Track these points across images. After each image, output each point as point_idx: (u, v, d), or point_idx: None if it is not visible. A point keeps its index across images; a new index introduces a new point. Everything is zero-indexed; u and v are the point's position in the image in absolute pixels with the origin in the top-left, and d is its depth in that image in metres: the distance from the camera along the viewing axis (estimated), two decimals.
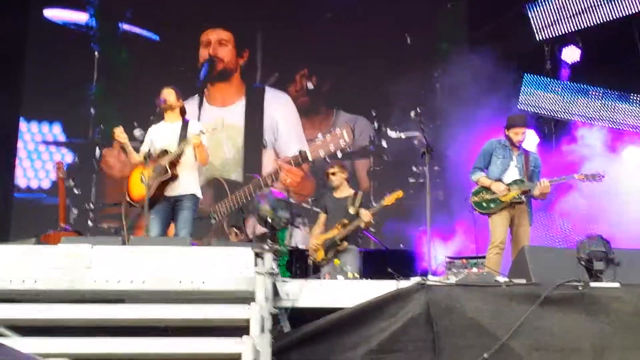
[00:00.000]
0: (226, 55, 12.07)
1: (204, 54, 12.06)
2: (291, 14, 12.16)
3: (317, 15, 12.14)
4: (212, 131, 7.31)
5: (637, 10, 10.82)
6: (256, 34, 12.21)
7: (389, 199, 8.52)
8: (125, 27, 12.11)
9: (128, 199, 7.63)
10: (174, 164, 7.25)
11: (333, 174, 8.69)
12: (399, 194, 8.51)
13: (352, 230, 8.42)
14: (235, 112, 11.79)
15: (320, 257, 8.37)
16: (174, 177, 7.25)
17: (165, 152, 7.30)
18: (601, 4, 11.01)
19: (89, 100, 11.91)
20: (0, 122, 11.43)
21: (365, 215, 8.39)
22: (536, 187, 7.71)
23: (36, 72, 11.88)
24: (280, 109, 11.95)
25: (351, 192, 8.70)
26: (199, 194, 7.50)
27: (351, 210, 8.47)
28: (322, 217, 8.71)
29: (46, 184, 11.66)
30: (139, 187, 7.37)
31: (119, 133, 7.46)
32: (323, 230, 8.60)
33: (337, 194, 8.69)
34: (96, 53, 12.04)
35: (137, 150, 7.60)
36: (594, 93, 11.11)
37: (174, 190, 7.32)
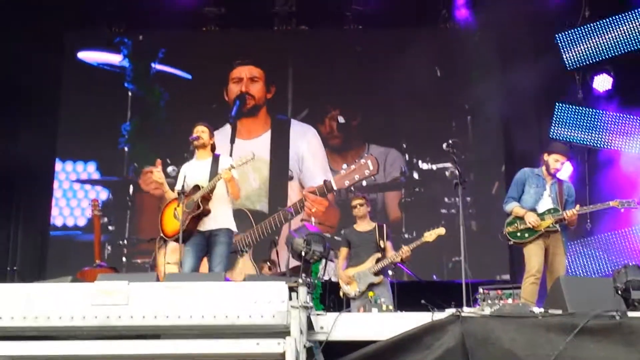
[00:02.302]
0: (257, 92, 12.19)
1: (234, 89, 12.17)
2: (321, 48, 12.27)
3: (347, 49, 12.23)
4: (242, 165, 7.38)
5: None
6: (287, 69, 12.30)
7: (430, 236, 8.48)
8: (158, 66, 12.28)
9: (162, 235, 7.70)
10: (205, 198, 7.31)
11: (361, 205, 8.69)
12: (441, 231, 8.48)
13: (388, 264, 8.43)
14: (261, 144, 11.86)
15: (354, 289, 8.36)
16: (206, 212, 7.31)
17: (197, 188, 7.37)
18: (633, 32, 11.00)
19: (122, 139, 12.07)
20: (36, 163, 11.60)
21: (405, 251, 8.39)
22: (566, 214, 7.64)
23: (71, 113, 12.08)
24: (305, 141, 12.00)
25: (373, 224, 8.69)
26: (234, 228, 7.56)
27: (382, 244, 8.47)
28: (344, 251, 8.71)
29: (82, 222, 11.79)
30: (172, 222, 7.45)
31: (157, 173, 7.57)
32: (346, 265, 8.59)
33: (360, 227, 8.69)
34: (129, 92, 12.23)
35: (171, 187, 7.70)
36: (626, 121, 11.04)
37: (209, 224, 7.38)
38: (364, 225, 8.69)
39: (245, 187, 10.89)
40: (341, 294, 8.59)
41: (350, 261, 8.65)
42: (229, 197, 7.50)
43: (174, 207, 7.48)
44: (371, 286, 8.32)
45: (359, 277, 8.39)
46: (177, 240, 7.26)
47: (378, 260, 8.41)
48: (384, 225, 8.77)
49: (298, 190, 11.67)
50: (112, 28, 12.27)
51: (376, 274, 8.37)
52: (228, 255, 7.45)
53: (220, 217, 7.42)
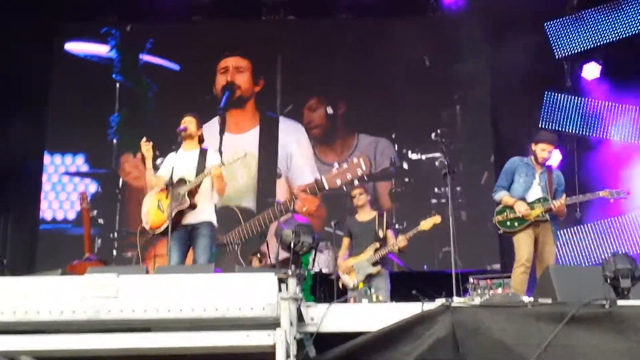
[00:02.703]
0: (243, 83, 12.15)
1: (221, 80, 12.13)
2: (310, 38, 12.24)
3: (336, 39, 12.21)
4: (233, 163, 7.35)
5: None
6: (276, 60, 12.26)
7: (426, 224, 8.49)
8: (146, 57, 12.24)
9: (146, 227, 7.65)
10: (192, 193, 7.28)
11: (361, 194, 8.68)
12: (437, 219, 8.48)
13: (386, 254, 8.44)
14: (249, 140, 11.83)
15: (353, 279, 8.37)
16: (193, 206, 7.28)
17: (182, 181, 7.33)
18: (621, 21, 11.02)
19: (111, 130, 12.02)
20: (25, 157, 11.58)
21: (401, 240, 8.40)
22: (554, 205, 7.66)
23: (59, 105, 12.05)
24: (294, 139, 11.97)
25: (374, 214, 8.70)
26: (215, 222, 7.51)
27: (381, 234, 8.47)
28: (346, 241, 8.72)
29: (71, 215, 11.76)
30: (156, 214, 7.41)
31: (145, 144, 7.50)
32: (347, 255, 8.60)
33: (361, 217, 8.69)
34: (118, 84, 12.19)
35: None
36: (614, 109, 11.07)
37: (191, 218, 7.34)
38: (365, 215, 8.70)
39: (233, 183, 10.86)
40: (340, 284, 8.58)
41: (351, 251, 8.64)
42: (213, 192, 7.46)
43: (157, 199, 7.43)
44: (369, 277, 8.33)
45: (358, 268, 8.39)
46: (161, 234, 7.23)
47: (376, 250, 8.41)
48: (384, 214, 8.77)
49: (286, 188, 11.65)
50: (100, 19, 12.20)
51: (374, 264, 8.38)
52: (212, 247, 7.42)
53: (203, 211, 7.38)
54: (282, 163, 11.85)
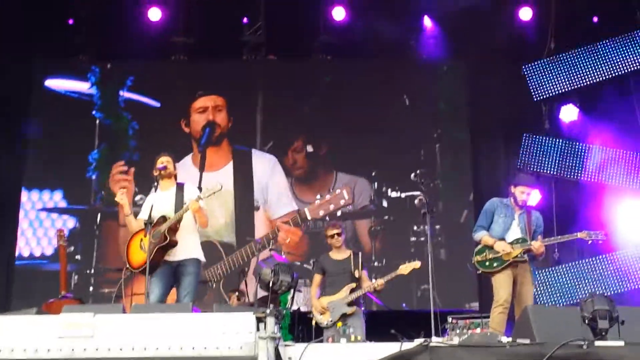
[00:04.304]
0: (222, 121, 12.16)
1: (200, 120, 12.11)
2: (290, 78, 12.29)
3: (316, 79, 12.28)
4: (209, 196, 7.33)
5: (633, 69, 10.99)
6: (256, 99, 12.29)
7: (405, 269, 8.42)
8: (126, 94, 12.24)
9: (128, 266, 7.62)
10: (172, 229, 7.25)
11: (339, 234, 8.63)
12: (416, 264, 8.41)
13: (361, 295, 8.41)
14: (224, 176, 11.80)
15: (327, 319, 8.31)
16: (173, 243, 7.26)
17: (164, 219, 7.32)
18: (598, 64, 11.18)
19: (90, 167, 11.98)
20: (2, 193, 11.51)
21: (379, 283, 8.38)
22: (533, 246, 7.69)
23: (37, 141, 12.01)
24: (267, 170, 11.98)
25: (348, 252, 8.64)
26: (202, 258, 7.50)
27: (357, 274, 8.43)
28: (318, 278, 8.61)
29: (49, 251, 11.66)
30: (138, 254, 7.38)
31: (120, 195, 7.51)
32: (319, 292, 8.54)
33: (336, 256, 8.62)
34: (97, 120, 12.16)
35: (136, 216, 7.64)
36: (592, 151, 11.17)
37: (176, 255, 7.32)
38: (339, 254, 8.61)
39: (212, 222, 10.81)
40: (313, 322, 8.51)
41: (324, 289, 8.57)
42: (196, 226, 7.46)
43: (140, 238, 7.41)
44: (344, 317, 8.28)
45: (333, 307, 8.34)
46: (143, 272, 7.19)
47: (352, 291, 8.38)
48: (359, 254, 8.71)
49: (264, 220, 11.63)
50: (80, 56, 12.20)
51: (349, 304, 8.34)
52: (196, 285, 7.39)
53: (188, 247, 7.37)
54: (258, 195, 11.83)
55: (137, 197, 10.97)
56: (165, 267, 7.29)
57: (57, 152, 11.90)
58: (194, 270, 7.34)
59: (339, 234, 8.59)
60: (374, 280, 8.50)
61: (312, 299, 8.66)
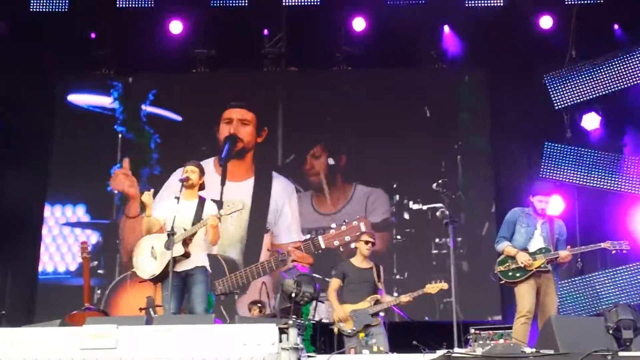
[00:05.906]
0: (246, 135, 12.14)
1: (224, 130, 12.15)
2: (310, 89, 12.32)
3: (337, 90, 12.29)
4: (230, 214, 7.34)
5: None
6: (277, 111, 12.31)
7: (432, 289, 8.45)
8: (149, 108, 12.29)
9: (135, 272, 7.62)
10: (186, 241, 7.27)
11: (373, 244, 8.58)
12: (444, 286, 8.42)
13: (386, 308, 8.39)
14: (244, 189, 11.80)
15: (350, 327, 8.29)
16: (187, 255, 7.27)
17: (179, 229, 7.31)
18: (619, 72, 11.12)
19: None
20: (26, 208, 11.59)
21: (405, 297, 8.40)
22: (559, 256, 7.66)
23: (60, 156, 12.07)
24: (284, 196, 11.87)
25: (371, 263, 8.60)
26: (208, 267, 7.50)
27: (379, 286, 8.42)
28: (337, 282, 8.52)
29: (73, 267, 11.68)
30: (149, 261, 7.38)
31: (147, 196, 7.44)
32: (338, 297, 8.49)
33: (359, 264, 8.56)
34: (120, 135, 12.23)
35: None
36: (614, 159, 11.10)
37: (184, 265, 7.31)
38: (363, 263, 8.55)
39: (222, 231, 10.85)
40: (335, 330, 8.47)
41: (343, 296, 8.53)
42: (206, 239, 7.45)
43: (150, 245, 7.41)
44: (367, 327, 8.25)
45: (356, 316, 8.31)
46: (153, 281, 7.20)
47: (377, 302, 8.35)
48: (381, 267, 8.68)
49: (266, 244, 11.54)
50: (102, 70, 12.30)
51: (374, 315, 8.32)
52: (207, 293, 7.40)
53: (196, 257, 7.36)
54: (270, 217, 11.81)
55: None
56: (174, 279, 7.24)
57: (80, 166, 11.97)
58: (203, 279, 7.34)
59: (373, 244, 8.58)
60: (395, 295, 8.49)
61: (332, 302, 8.55)
